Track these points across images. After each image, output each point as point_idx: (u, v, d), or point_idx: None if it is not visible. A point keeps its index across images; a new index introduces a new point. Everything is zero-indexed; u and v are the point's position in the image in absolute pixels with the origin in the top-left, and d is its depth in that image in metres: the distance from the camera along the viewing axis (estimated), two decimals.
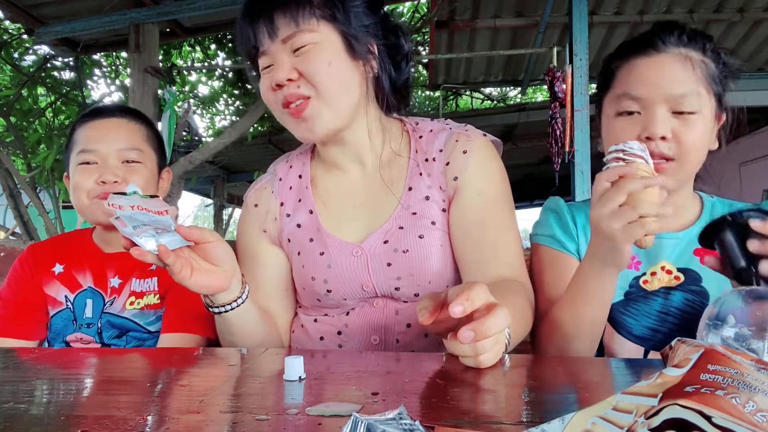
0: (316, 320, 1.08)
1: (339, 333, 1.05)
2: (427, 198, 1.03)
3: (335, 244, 1.03)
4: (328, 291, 1.03)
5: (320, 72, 0.94)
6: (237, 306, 0.91)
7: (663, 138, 0.91)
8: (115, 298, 1.20)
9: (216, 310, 0.91)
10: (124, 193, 0.86)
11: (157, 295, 1.20)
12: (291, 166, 1.15)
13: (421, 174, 1.04)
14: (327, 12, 0.95)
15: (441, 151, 1.05)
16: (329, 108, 0.96)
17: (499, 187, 1.04)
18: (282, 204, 1.11)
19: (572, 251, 1.05)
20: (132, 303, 1.19)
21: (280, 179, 1.13)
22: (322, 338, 1.06)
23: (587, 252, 0.89)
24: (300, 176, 1.12)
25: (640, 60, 0.95)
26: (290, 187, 1.12)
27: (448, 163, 1.03)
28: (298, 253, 1.06)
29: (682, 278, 0.99)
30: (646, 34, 0.97)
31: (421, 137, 1.08)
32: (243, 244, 1.13)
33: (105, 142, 1.18)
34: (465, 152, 1.03)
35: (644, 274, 1.01)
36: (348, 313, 1.05)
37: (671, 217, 0.97)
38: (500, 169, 1.05)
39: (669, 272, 1.00)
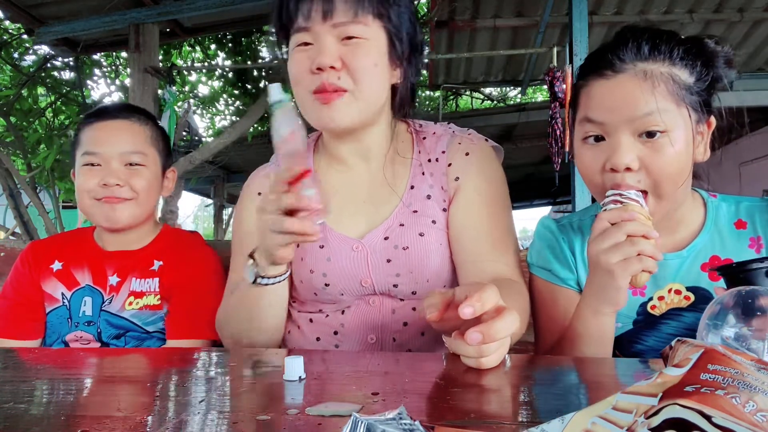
0: (311, 320, 1.08)
1: (335, 333, 1.05)
2: (429, 197, 1.04)
3: (335, 238, 1.04)
4: (326, 285, 1.03)
5: (366, 71, 0.95)
6: (283, 279, 0.95)
7: (628, 169, 0.84)
8: (113, 296, 1.20)
9: (267, 281, 0.93)
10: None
11: (158, 296, 1.20)
12: None
13: (423, 173, 1.06)
14: (383, 10, 0.96)
15: (444, 152, 1.06)
16: (359, 106, 0.96)
17: (499, 189, 1.05)
18: None
19: (572, 284, 1.01)
20: (131, 303, 1.19)
21: None
22: (318, 338, 1.06)
23: (584, 290, 0.88)
24: None
25: (597, 83, 0.88)
26: None
27: (450, 165, 1.05)
28: (298, 245, 1.06)
29: (693, 298, 0.94)
30: (604, 48, 0.89)
31: (424, 138, 1.10)
32: (244, 232, 1.12)
33: (108, 145, 1.18)
34: (467, 154, 1.05)
35: (651, 299, 0.97)
36: (344, 312, 1.05)
37: (675, 233, 0.95)
38: (500, 173, 1.08)
39: (678, 292, 0.96)
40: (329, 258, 1.03)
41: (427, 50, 1.11)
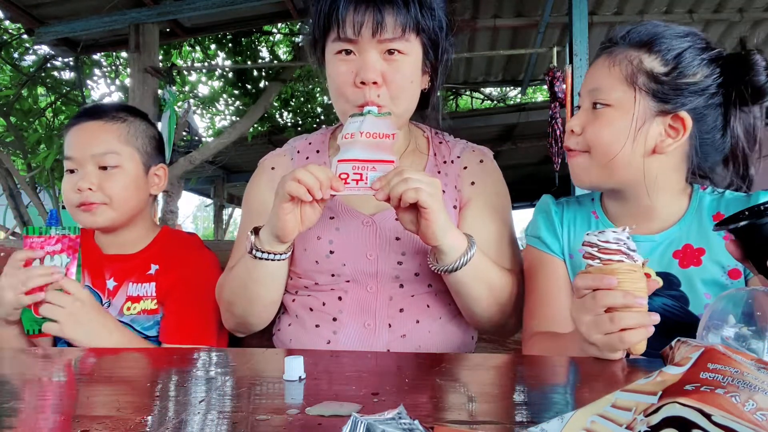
0: (312, 309, 1.09)
1: (334, 319, 1.06)
2: (442, 192, 1.06)
3: (347, 211, 1.07)
4: (331, 252, 1.05)
5: (403, 89, 1.00)
6: (279, 259, 0.97)
7: (572, 132, 0.97)
8: (110, 300, 1.20)
9: (262, 255, 0.96)
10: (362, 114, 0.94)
11: (154, 301, 1.19)
12: (310, 143, 1.20)
13: (438, 172, 1.13)
14: (425, 26, 0.98)
15: (458, 157, 1.15)
16: (395, 118, 0.99)
17: (506, 195, 1.17)
18: None
19: (557, 252, 1.06)
20: (129, 308, 1.18)
21: (298, 151, 1.18)
22: (317, 326, 1.07)
23: (573, 338, 0.84)
24: (318, 151, 1.17)
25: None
26: (307, 157, 1.16)
27: (465, 168, 1.14)
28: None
29: (661, 283, 0.91)
30: None
31: (440, 143, 1.18)
32: (256, 204, 1.15)
33: (80, 149, 1.17)
34: (481, 161, 1.15)
35: None
36: (341, 298, 1.06)
37: (652, 221, 0.97)
38: (506, 187, 1.19)
39: (647, 276, 0.93)
40: (338, 228, 1.06)
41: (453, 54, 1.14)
